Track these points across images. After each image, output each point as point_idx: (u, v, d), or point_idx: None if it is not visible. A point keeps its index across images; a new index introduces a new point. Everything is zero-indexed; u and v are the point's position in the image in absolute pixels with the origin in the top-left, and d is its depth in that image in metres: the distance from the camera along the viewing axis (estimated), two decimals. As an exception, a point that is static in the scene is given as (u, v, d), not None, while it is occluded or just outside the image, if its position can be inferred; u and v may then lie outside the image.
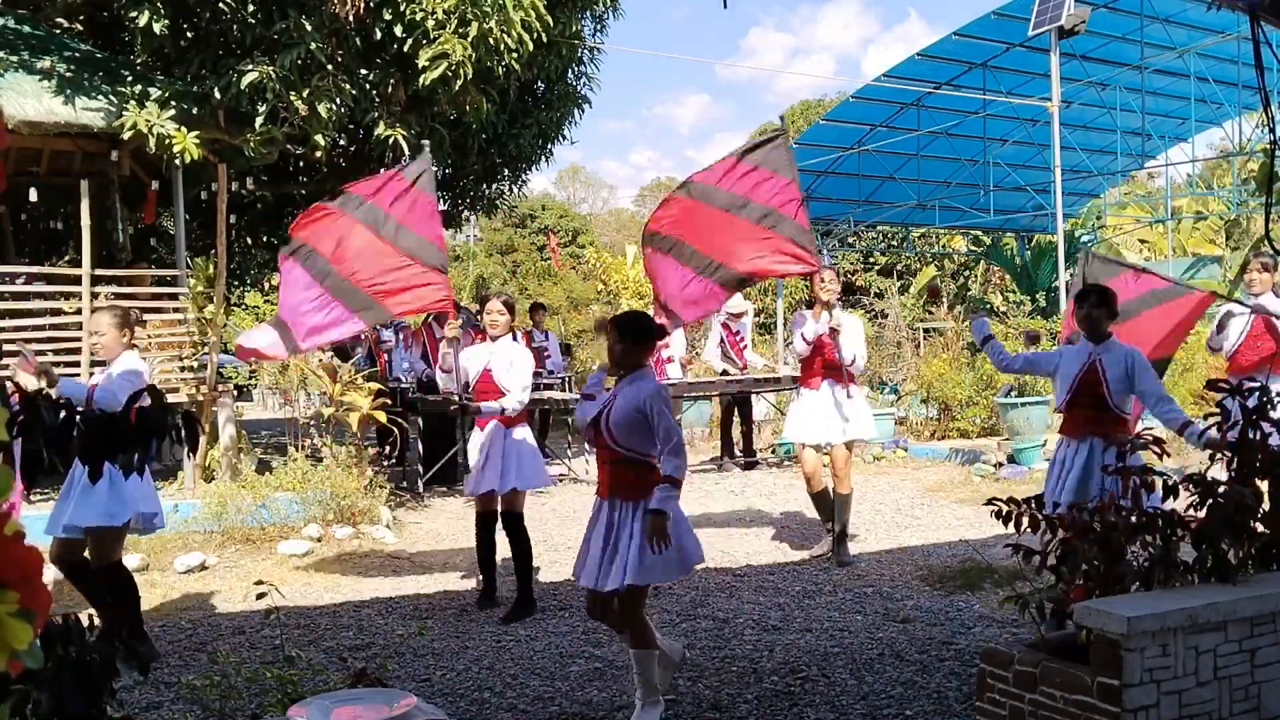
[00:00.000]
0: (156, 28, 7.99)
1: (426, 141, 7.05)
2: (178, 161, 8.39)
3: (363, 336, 11.17)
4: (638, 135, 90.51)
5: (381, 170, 12.23)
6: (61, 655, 1.93)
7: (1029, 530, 3.70)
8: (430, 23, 8.06)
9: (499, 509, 6.11)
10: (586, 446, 6.01)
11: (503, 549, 6.16)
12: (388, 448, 9.44)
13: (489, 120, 10.11)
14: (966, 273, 25.57)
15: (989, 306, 20.95)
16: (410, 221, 6.26)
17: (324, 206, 6.46)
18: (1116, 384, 5.07)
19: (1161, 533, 3.42)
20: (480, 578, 6.29)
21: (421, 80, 8.20)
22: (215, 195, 9.76)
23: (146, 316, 9.07)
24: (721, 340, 11.35)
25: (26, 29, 9.47)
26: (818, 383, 7.04)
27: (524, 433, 6.20)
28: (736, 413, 11.46)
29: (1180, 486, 3.56)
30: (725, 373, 11.25)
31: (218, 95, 8.21)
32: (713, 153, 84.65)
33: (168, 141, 8.10)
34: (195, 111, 8.34)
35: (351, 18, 8.14)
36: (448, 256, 6.56)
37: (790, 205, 6.80)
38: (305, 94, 8.17)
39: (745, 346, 11.41)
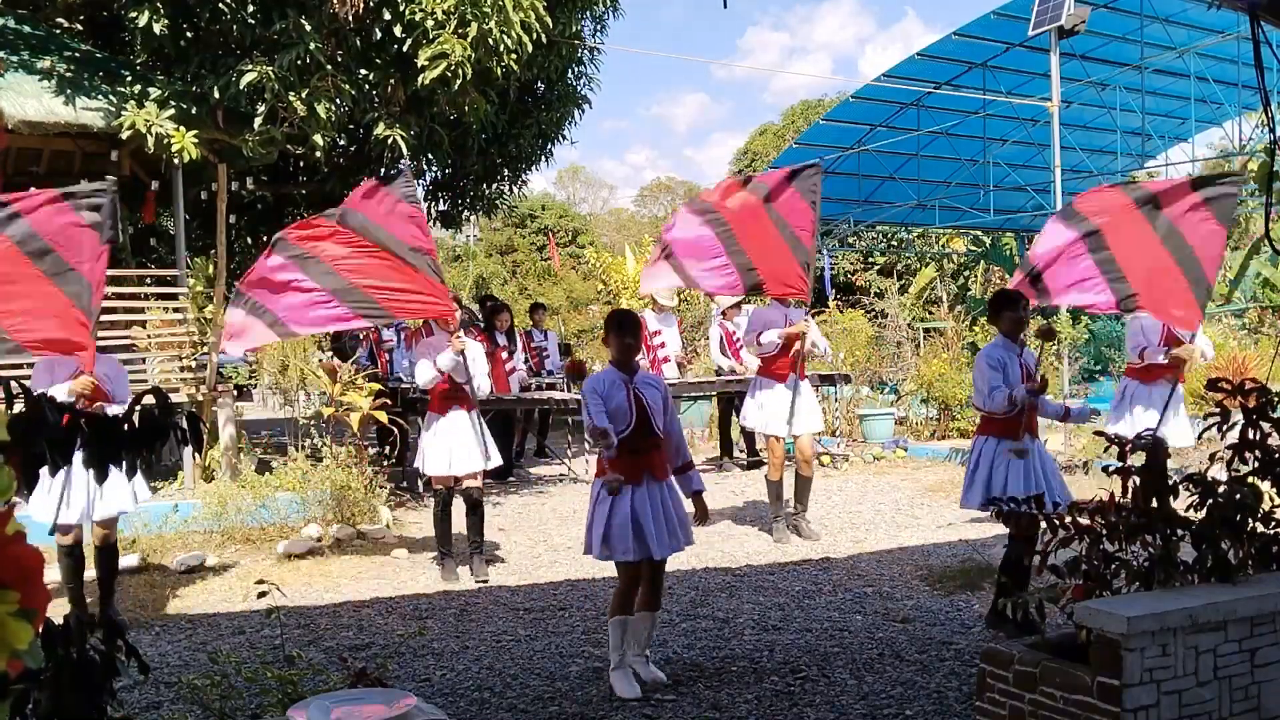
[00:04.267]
0: (156, 28, 7.99)
1: (407, 161, 7.13)
2: (177, 161, 8.39)
3: (363, 336, 11.18)
4: (635, 135, 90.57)
5: (380, 172, 12.27)
6: (61, 655, 1.94)
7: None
8: (429, 23, 8.06)
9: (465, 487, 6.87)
10: (586, 446, 6.13)
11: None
12: (388, 448, 9.43)
13: (489, 120, 10.10)
14: (966, 273, 25.57)
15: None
16: (405, 234, 6.43)
17: (322, 220, 6.53)
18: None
19: (1161, 533, 3.43)
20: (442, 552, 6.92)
21: (421, 80, 8.19)
22: (215, 195, 9.76)
23: (146, 316, 9.09)
24: (721, 339, 11.34)
25: (26, 29, 9.47)
26: (785, 375, 7.72)
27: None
28: (735, 413, 11.42)
29: (1180, 486, 3.56)
30: (731, 370, 11.22)
31: (217, 95, 8.20)
32: (711, 153, 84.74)
33: (167, 141, 8.10)
34: (194, 111, 8.33)
35: (351, 18, 8.13)
36: (441, 260, 6.77)
37: (806, 233, 7.44)
38: (304, 94, 8.16)
39: (741, 346, 11.40)
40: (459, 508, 6.91)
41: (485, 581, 6.68)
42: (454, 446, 6.70)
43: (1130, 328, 7.69)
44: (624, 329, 4.82)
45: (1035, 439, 5.51)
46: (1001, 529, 5.58)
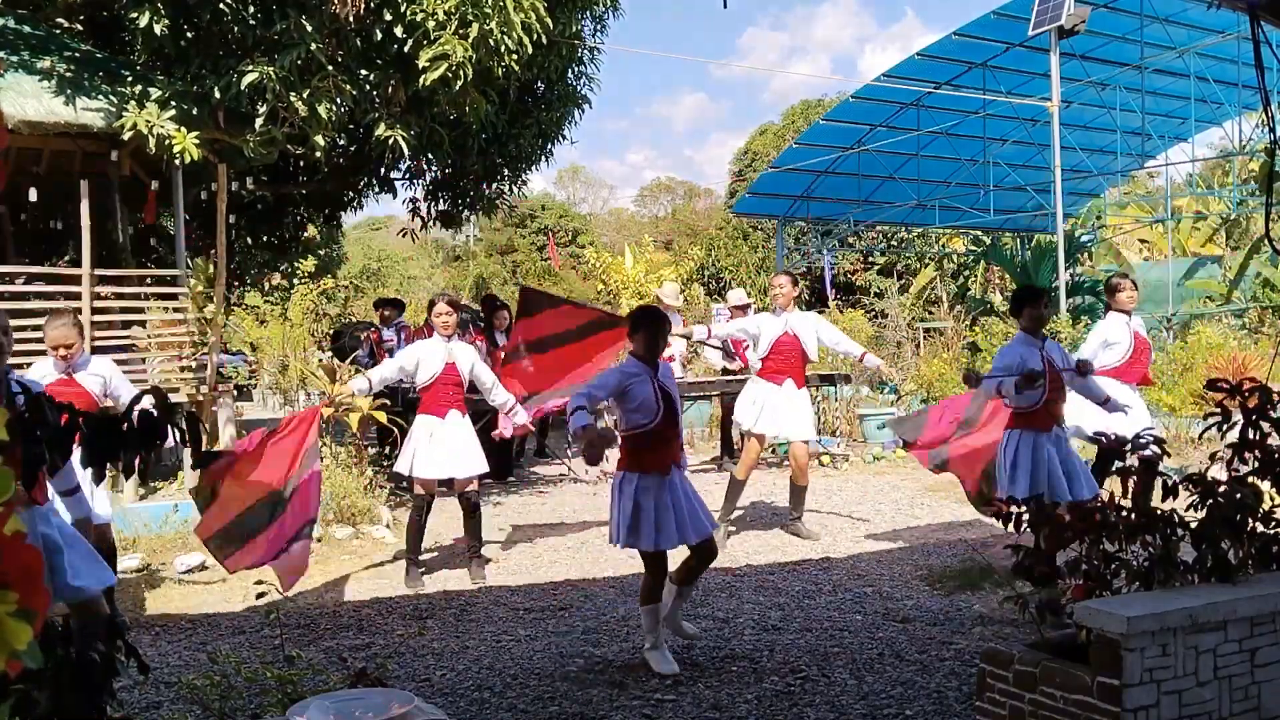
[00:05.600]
0: (156, 28, 7.97)
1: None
2: (178, 162, 8.39)
3: (363, 336, 11.19)
4: (635, 135, 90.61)
5: (380, 172, 12.28)
6: (61, 655, 1.94)
7: (1027, 530, 3.71)
8: (430, 24, 8.05)
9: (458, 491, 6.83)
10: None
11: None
12: (388, 448, 9.43)
13: (489, 120, 10.10)
14: (966, 273, 25.57)
15: (989, 305, 20.85)
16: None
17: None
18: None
19: (1161, 533, 3.43)
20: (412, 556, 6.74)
21: (422, 81, 8.19)
22: (215, 195, 9.75)
23: (147, 317, 9.09)
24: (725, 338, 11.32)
25: (26, 29, 9.46)
26: (780, 379, 7.70)
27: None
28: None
29: (1180, 486, 3.57)
30: (726, 371, 11.22)
31: (217, 95, 8.19)
32: (711, 152, 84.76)
33: (168, 142, 8.10)
34: (195, 112, 8.33)
35: (351, 18, 8.13)
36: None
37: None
38: (305, 94, 8.16)
39: (748, 346, 11.39)
40: (449, 513, 6.92)
41: (483, 582, 6.67)
42: (452, 450, 6.66)
43: (1094, 335, 7.52)
44: (659, 325, 4.97)
45: (1063, 429, 5.77)
46: (1001, 529, 5.68)
